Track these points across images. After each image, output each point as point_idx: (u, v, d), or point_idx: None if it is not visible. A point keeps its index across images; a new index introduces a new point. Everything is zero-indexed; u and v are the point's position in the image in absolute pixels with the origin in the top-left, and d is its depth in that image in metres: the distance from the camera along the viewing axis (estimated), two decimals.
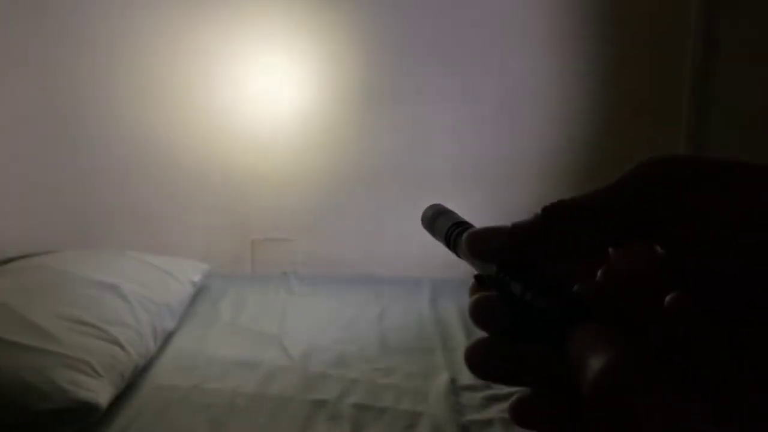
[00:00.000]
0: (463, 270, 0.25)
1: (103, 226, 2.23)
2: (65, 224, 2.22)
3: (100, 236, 2.20)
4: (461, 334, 1.70)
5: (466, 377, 1.46)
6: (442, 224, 0.28)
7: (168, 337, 1.66)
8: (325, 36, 2.14)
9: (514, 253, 0.23)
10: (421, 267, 2.12)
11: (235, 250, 2.27)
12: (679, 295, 0.21)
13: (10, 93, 2.14)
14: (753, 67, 2.12)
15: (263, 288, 2.02)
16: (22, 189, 2.21)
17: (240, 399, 1.38)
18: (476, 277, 0.24)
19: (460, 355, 1.58)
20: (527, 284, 0.22)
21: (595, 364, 0.18)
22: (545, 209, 0.22)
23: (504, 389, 1.36)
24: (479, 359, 0.22)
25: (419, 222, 0.30)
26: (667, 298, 0.21)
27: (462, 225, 0.27)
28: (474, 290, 0.24)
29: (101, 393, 1.28)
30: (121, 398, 1.37)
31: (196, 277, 1.91)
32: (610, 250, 0.24)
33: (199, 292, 1.94)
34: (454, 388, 1.43)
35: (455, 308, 1.85)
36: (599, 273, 0.23)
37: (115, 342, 1.43)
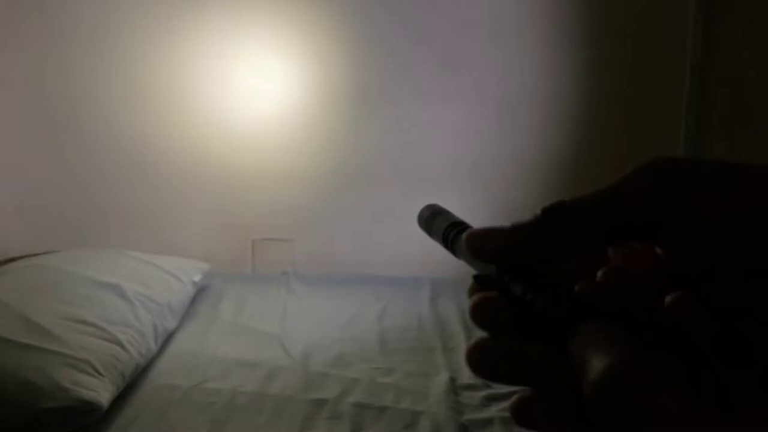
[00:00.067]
0: (462, 270, 0.25)
1: (104, 226, 2.23)
2: (66, 224, 2.22)
3: (101, 236, 2.20)
4: (461, 334, 1.70)
5: (466, 376, 1.46)
6: (439, 224, 0.28)
7: (169, 337, 1.66)
8: (323, 36, 2.14)
9: (514, 253, 0.23)
10: (421, 267, 2.12)
11: (236, 250, 2.27)
12: (681, 295, 0.21)
13: (9, 93, 2.14)
14: (752, 66, 2.12)
15: (263, 288, 2.02)
16: (23, 189, 2.21)
17: (240, 398, 1.38)
18: (475, 277, 0.24)
19: (459, 355, 1.58)
20: (528, 284, 0.22)
21: (598, 364, 0.18)
22: (545, 210, 0.22)
23: (503, 388, 1.36)
24: (481, 359, 0.22)
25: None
26: (669, 298, 0.21)
27: (459, 225, 0.27)
28: (473, 290, 0.24)
29: (102, 392, 1.28)
30: (121, 397, 1.37)
31: (197, 277, 1.91)
32: (610, 250, 0.24)
33: (200, 292, 1.94)
34: (454, 387, 1.43)
35: (455, 308, 1.86)
36: (599, 273, 0.23)
37: (116, 341, 1.43)
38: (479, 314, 0.23)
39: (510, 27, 2.14)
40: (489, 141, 2.21)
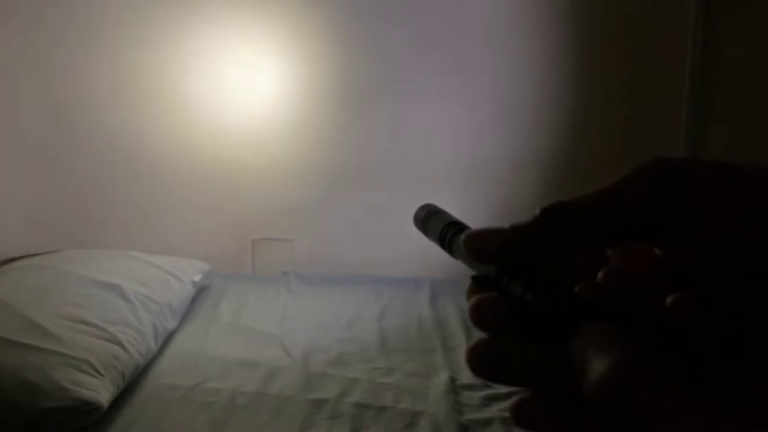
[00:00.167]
0: (462, 270, 0.25)
1: (104, 227, 2.23)
2: (66, 224, 2.22)
3: (101, 236, 2.20)
4: (461, 334, 1.70)
5: (466, 376, 1.46)
6: (436, 224, 0.28)
7: (169, 337, 1.66)
8: (324, 34, 2.14)
9: (513, 254, 0.23)
10: (420, 267, 2.12)
11: (236, 250, 2.27)
12: (682, 295, 0.21)
13: (8, 94, 2.14)
14: (752, 66, 2.12)
15: (264, 288, 2.02)
16: (23, 189, 2.21)
17: (240, 398, 1.38)
18: (474, 277, 0.24)
19: (459, 355, 1.58)
20: (527, 285, 0.22)
21: (599, 364, 0.18)
22: (544, 210, 0.22)
23: (503, 388, 1.36)
24: (481, 359, 0.22)
25: None
26: (669, 298, 0.21)
27: (456, 225, 0.27)
28: (471, 291, 0.24)
29: (102, 392, 1.28)
30: (122, 397, 1.37)
31: (197, 277, 1.91)
32: (610, 250, 0.24)
33: (200, 292, 1.94)
34: (454, 387, 1.43)
35: (455, 308, 1.86)
36: (600, 274, 0.23)
37: (117, 341, 1.43)
38: (479, 315, 0.23)
39: (508, 27, 2.14)
40: (490, 141, 2.21)
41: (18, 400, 1.23)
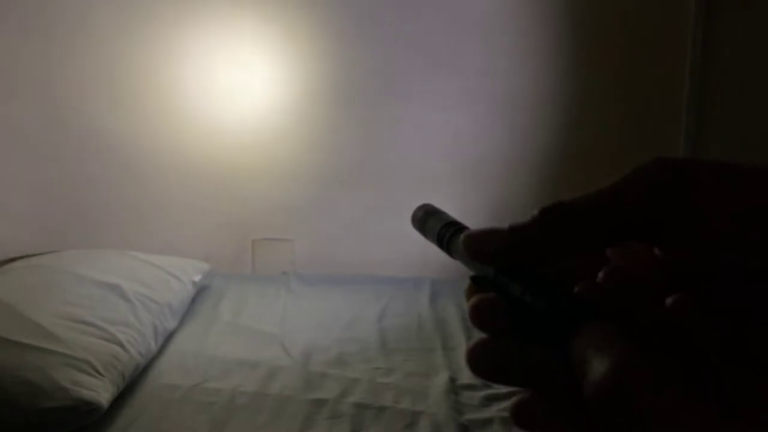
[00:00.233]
0: (462, 270, 0.25)
1: (104, 227, 2.23)
2: (66, 224, 2.22)
3: (101, 236, 2.20)
4: (461, 334, 1.70)
5: (466, 376, 1.46)
6: (434, 225, 0.28)
7: (169, 337, 1.66)
8: (323, 34, 2.14)
9: (512, 254, 0.23)
10: (420, 267, 2.12)
11: (236, 250, 2.27)
12: (682, 295, 0.21)
13: (8, 94, 2.14)
14: (752, 66, 2.12)
15: (264, 288, 2.02)
16: (23, 189, 2.21)
17: (240, 398, 1.38)
18: (473, 278, 0.24)
19: (459, 355, 1.58)
20: (527, 285, 0.22)
21: (599, 365, 0.18)
22: (543, 210, 0.22)
23: (503, 388, 1.36)
24: (481, 359, 0.22)
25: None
26: (670, 299, 0.21)
27: (454, 225, 0.27)
28: (471, 291, 0.24)
29: (102, 392, 1.28)
30: (122, 397, 1.37)
31: (197, 277, 1.91)
32: (609, 250, 0.24)
33: (200, 292, 1.94)
34: (454, 387, 1.43)
35: (455, 308, 1.86)
36: (600, 274, 0.23)
37: (117, 341, 1.43)
38: (478, 315, 0.23)
39: (505, 25, 2.14)
40: (488, 141, 2.21)
41: (18, 400, 1.23)
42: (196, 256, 2.06)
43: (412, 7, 2.13)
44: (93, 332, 1.43)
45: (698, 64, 2.11)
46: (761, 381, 0.18)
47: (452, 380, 1.45)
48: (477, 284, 0.24)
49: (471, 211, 2.13)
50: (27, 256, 1.94)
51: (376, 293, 1.97)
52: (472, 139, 2.21)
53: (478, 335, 0.23)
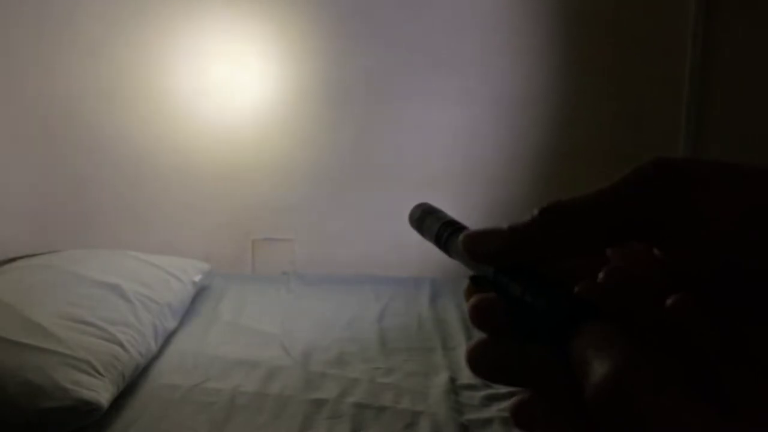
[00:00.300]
0: (462, 270, 0.25)
1: (104, 227, 2.23)
2: (66, 224, 2.22)
3: (101, 236, 2.20)
4: (461, 334, 1.70)
5: (466, 376, 1.46)
6: (432, 224, 0.28)
7: (169, 337, 1.66)
8: (322, 35, 2.14)
9: (512, 254, 0.23)
10: (420, 267, 2.12)
11: (236, 250, 2.27)
12: (682, 295, 0.21)
13: (8, 94, 2.14)
14: (752, 66, 2.12)
15: (264, 288, 2.02)
16: (23, 189, 2.21)
17: (241, 398, 1.38)
18: (472, 278, 0.24)
19: (459, 355, 1.58)
20: (527, 285, 0.22)
21: (599, 365, 0.18)
22: (542, 210, 0.22)
23: (503, 388, 1.36)
24: (481, 359, 0.22)
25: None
26: (670, 299, 0.21)
27: (452, 225, 0.27)
28: (470, 291, 0.24)
29: (102, 392, 1.28)
30: (122, 397, 1.37)
31: (197, 277, 1.91)
32: (609, 250, 0.24)
33: (200, 292, 1.94)
34: (454, 387, 1.43)
35: (455, 308, 1.86)
36: (601, 274, 0.23)
37: (117, 341, 1.43)
38: (478, 315, 0.23)
39: (506, 24, 2.14)
40: (488, 141, 2.21)
41: (18, 400, 1.23)
42: (196, 256, 2.06)
43: (410, 6, 2.13)
44: (93, 332, 1.43)
45: (698, 64, 2.11)
46: (761, 381, 0.18)
47: (452, 380, 1.45)
48: (476, 284, 0.24)
49: (470, 209, 2.12)
50: (27, 256, 1.94)
51: (376, 293, 1.97)
52: (471, 139, 2.21)
53: (478, 335, 0.23)
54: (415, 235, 0.30)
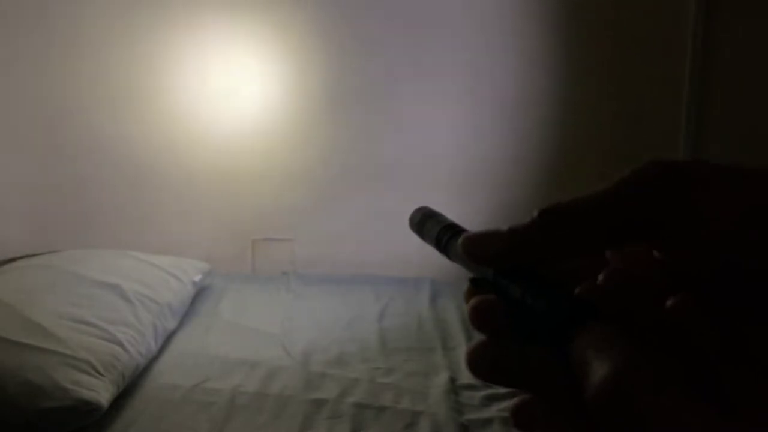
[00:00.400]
0: (462, 270, 0.25)
1: (104, 227, 2.23)
2: (66, 224, 2.22)
3: (101, 236, 2.20)
4: (461, 334, 1.70)
5: (466, 376, 1.46)
6: (432, 227, 0.28)
7: (169, 337, 1.66)
8: (322, 36, 2.14)
9: (512, 256, 0.23)
10: (421, 267, 2.12)
11: (236, 250, 2.27)
12: (682, 295, 0.21)
13: (8, 95, 2.14)
14: (752, 66, 2.12)
15: (264, 288, 2.02)
16: (24, 189, 2.21)
17: (241, 398, 1.38)
18: (472, 280, 0.24)
19: (459, 355, 1.58)
20: (526, 287, 0.22)
21: (599, 365, 0.18)
22: (542, 212, 0.22)
23: (503, 388, 1.36)
24: (480, 361, 0.22)
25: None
26: (670, 300, 0.21)
27: (452, 228, 0.27)
28: (470, 294, 0.24)
29: (102, 392, 1.28)
30: (122, 397, 1.37)
31: (197, 277, 1.91)
32: (608, 253, 0.24)
33: (200, 292, 1.94)
34: (454, 387, 1.43)
35: (455, 308, 1.86)
36: (601, 276, 0.23)
37: (117, 341, 1.43)
38: (478, 317, 0.23)
39: (508, 27, 2.14)
40: (488, 142, 2.21)
41: (18, 400, 1.23)
42: (196, 256, 2.06)
43: (411, 8, 2.13)
44: (93, 332, 1.43)
45: (698, 64, 2.11)
46: (761, 381, 0.18)
47: (452, 380, 1.45)
48: (476, 287, 0.24)
49: (470, 210, 2.12)
50: (27, 256, 1.94)
51: (376, 293, 1.97)
52: (471, 140, 2.21)
53: (478, 336, 0.23)
54: (414, 236, 0.30)
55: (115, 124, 2.17)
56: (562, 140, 2.20)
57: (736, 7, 2.10)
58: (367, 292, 1.98)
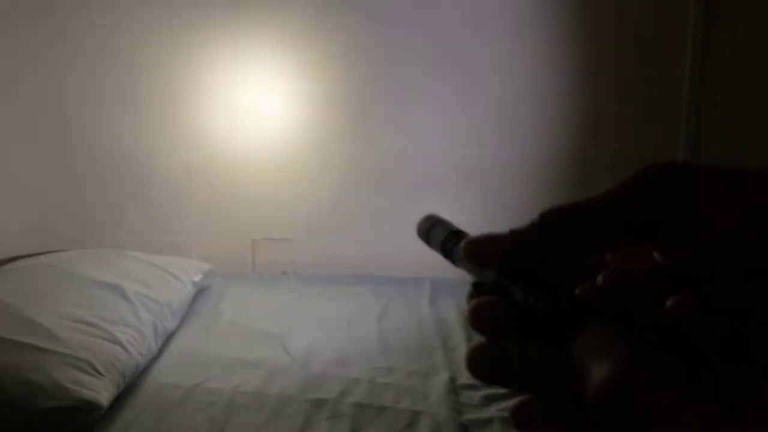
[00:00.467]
0: (462, 270, 0.25)
1: (104, 227, 2.23)
2: (66, 224, 2.22)
3: (101, 236, 2.20)
4: (461, 334, 1.70)
5: (466, 376, 1.46)
6: (438, 234, 0.28)
7: (169, 337, 1.66)
8: (322, 40, 2.14)
9: (514, 259, 0.23)
10: (421, 267, 2.11)
11: (236, 250, 2.27)
12: (682, 295, 0.21)
13: (9, 94, 2.14)
14: (752, 67, 2.12)
15: (264, 287, 2.02)
16: (24, 189, 2.21)
17: (241, 398, 1.38)
18: (474, 284, 0.24)
19: (459, 355, 1.58)
20: (528, 288, 0.22)
21: (599, 366, 0.18)
22: (543, 215, 0.22)
23: (503, 389, 1.36)
24: (481, 362, 0.22)
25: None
26: (670, 300, 0.21)
27: (458, 234, 0.27)
28: (472, 298, 0.24)
29: (103, 392, 1.28)
30: (122, 397, 1.37)
31: (198, 277, 1.91)
32: (608, 255, 0.24)
33: (201, 292, 1.94)
34: (454, 387, 1.43)
35: (455, 308, 1.86)
36: (599, 277, 0.23)
37: (117, 341, 1.43)
38: (478, 318, 0.23)
39: (508, 27, 2.14)
40: (488, 143, 2.21)
41: (18, 399, 1.23)
42: (196, 256, 2.06)
43: (416, 10, 2.13)
44: (93, 332, 1.43)
45: (698, 64, 2.11)
46: (761, 381, 0.18)
47: (452, 380, 1.45)
48: (479, 290, 0.24)
49: (471, 211, 2.12)
50: (27, 256, 1.94)
51: (376, 293, 1.97)
52: (471, 140, 2.21)
53: (479, 337, 0.23)
54: (415, 235, 0.30)
55: (116, 124, 2.17)
56: (560, 141, 2.20)
57: (736, 7, 2.10)
58: (367, 292, 1.98)
